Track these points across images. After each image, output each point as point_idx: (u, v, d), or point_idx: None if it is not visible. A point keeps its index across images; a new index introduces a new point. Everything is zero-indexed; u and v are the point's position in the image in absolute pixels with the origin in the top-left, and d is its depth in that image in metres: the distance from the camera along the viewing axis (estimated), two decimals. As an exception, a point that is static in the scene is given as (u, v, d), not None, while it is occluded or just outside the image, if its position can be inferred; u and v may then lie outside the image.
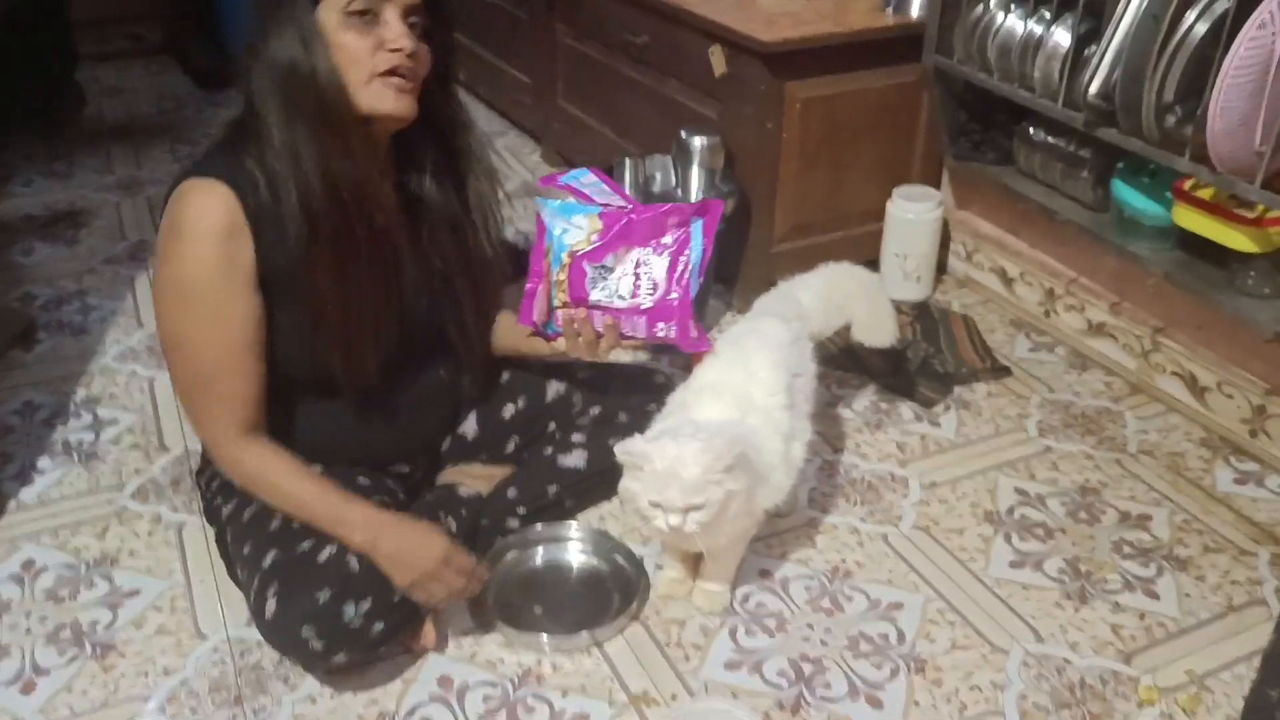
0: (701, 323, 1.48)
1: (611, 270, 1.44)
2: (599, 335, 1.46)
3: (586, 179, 1.48)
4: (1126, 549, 1.65)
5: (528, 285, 1.48)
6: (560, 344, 1.49)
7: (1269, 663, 1.16)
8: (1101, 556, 1.63)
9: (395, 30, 1.27)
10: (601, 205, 1.47)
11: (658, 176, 2.16)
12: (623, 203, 1.47)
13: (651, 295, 1.44)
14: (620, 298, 1.44)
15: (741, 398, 1.44)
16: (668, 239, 1.44)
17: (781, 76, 2.06)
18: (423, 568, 1.33)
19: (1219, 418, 1.93)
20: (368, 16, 1.26)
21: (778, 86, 2.06)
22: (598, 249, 1.44)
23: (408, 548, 1.34)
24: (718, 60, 2.11)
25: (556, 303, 1.47)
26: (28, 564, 1.59)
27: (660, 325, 1.44)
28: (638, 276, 1.44)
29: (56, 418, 1.93)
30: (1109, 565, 1.61)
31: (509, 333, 1.60)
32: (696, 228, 1.44)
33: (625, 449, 1.32)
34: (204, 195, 1.28)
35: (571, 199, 1.48)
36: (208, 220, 1.28)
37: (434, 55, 1.34)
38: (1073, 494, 1.77)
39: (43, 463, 1.81)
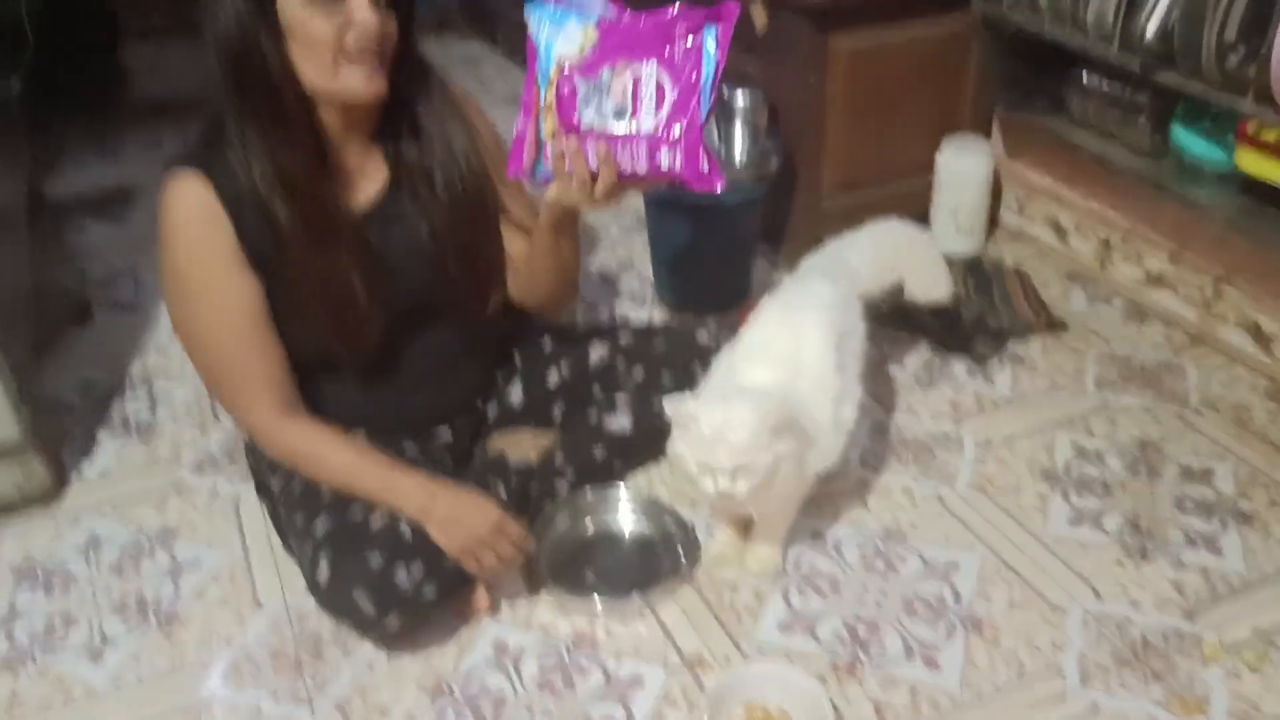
0: (716, 156, 1.27)
1: (607, 87, 1.24)
2: (594, 174, 1.27)
3: None
4: (1188, 504, 1.61)
5: (516, 130, 1.30)
6: (551, 192, 1.32)
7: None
8: (1163, 512, 1.60)
9: (362, 7, 1.23)
10: (599, 15, 1.27)
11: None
12: (626, 17, 1.27)
13: (653, 116, 1.24)
14: (616, 119, 1.24)
15: (790, 359, 1.42)
16: (676, 51, 1.23)
17: (825, 30, 2.01)
18: (475, 534, 1.34)
19: (1285, 368, 1.87)
20: None
21: (822, 40, 2.02)
22: (591, 61, 1.25)
23: (461, 514, 1.35)
24: (759, 15, 2.07)
25: (545, 133, 1.28)
26: (92, 538, 1.63)
27: (663, 153, 1.24)
28: (637, 93, 1.23)
29: (114, 394, 1.97)
30: (1170, 521, 1.58)
31: (524, 261, 1.51)
32: (709, 37, 1.23)
33: (674, 406, 1.31)
34: (177, 188, 1.31)
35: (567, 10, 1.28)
36: (182, 212, 1.30)
37: (399, 22, 1.30)
38: (1132, 449, 1.73)
39: (102, 438, 1.85)
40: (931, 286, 1.77)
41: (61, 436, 1.84)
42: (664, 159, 1.24)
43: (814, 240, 1.79)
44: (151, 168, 2.85)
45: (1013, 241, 2.37)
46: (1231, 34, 1.59)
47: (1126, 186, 2.06)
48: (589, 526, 1.59)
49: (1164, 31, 1.70)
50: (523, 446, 1.60)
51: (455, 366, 1.55)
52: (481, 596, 1.44)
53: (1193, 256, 2.00)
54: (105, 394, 1.96)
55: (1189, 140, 1.90)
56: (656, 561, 1.53)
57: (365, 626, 1.36)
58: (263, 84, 1.26)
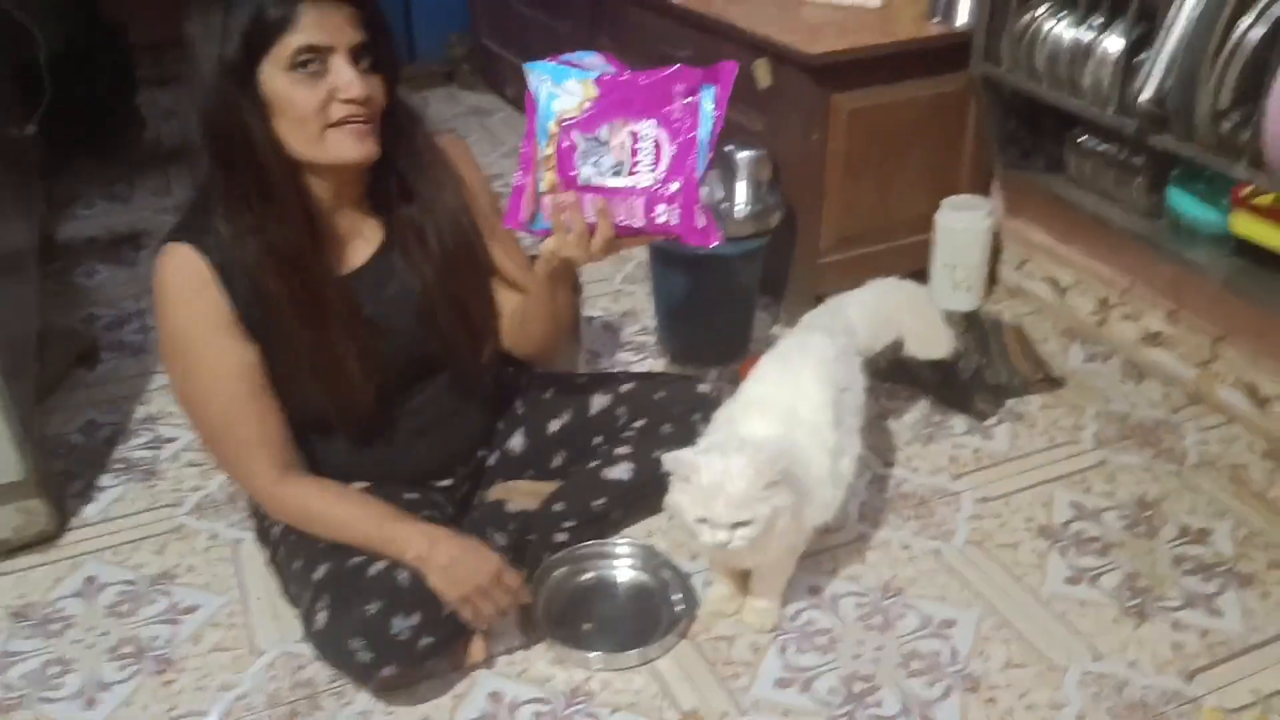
0: (711, 211, 1.28)
1: (605, 143, 1.25)
2: (591, 227, 1.28)
3: (590, 59, 1.31)
4: (1187, 564, 1.61)
5: (514, 183, 1.32)
6: (548, 244, 1.32)
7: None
8: (1161, 572, 1.60)
9: (346, 77, 1.25)
10: (599, 72, 1.29)
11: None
12: (626, 74, 1.29)
13: (651, 172, 1.25)
14: (614, 175, 1.26)
15: (788, 413, 1.44)
16: (674, 109, 1.24)
17: (827, 88, 2.05)
18: (474, 582, 1.34)
19: (1282, 428, 1.88)
20: (314, 66, 1.24)
21: (823, 98, 2.06)
22: (591, 117, 1.26)
23: (460, 561, 1.35)
24: (762, 73, 2.11)
25: (544, 186, 1.28)
26: (90, 580, 1.63)
27: (660, 209, 1.25)
28: (636, 150, 1.25)
29: (118, 436, 1.98)
30: (1169, 581, 1.58)
31: (518, 310, 1.52)
32: (707, 96, 1.24)
33: (673, 458, 1.32)
34: (170, 259, 1.33)
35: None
36: (175, 281, 1.33)
37: (383, 82, 1.32)
38: (1130, 507, 1.73)
39: (104, 480, 1.86)
40: (932, 344, 1.78)
41: (64, 478, 1.85)
42: (661, 214, 1.26)
43: (813, 294, 1.81)
44: (162, 213, 2.91)
45: (1011, 298, 2.39)
46: (1225, 100, 1.62)
47: (1124, 245, 2.08)
48: (587, 577, 1.59)
49: (1159, 96, 1.73)
50: (522, 495, 1.61)
51: (453, 420, 1.56)
52: (478, 647, 1.44)
53: (1190, 316, 2.02)
54: (109, 436, 1.97)
55: (1184, 202, 1.92)
56: (654, 614, 1.53)
57: (362, 675, 1.36)
58: (248, 160, 1.27)
